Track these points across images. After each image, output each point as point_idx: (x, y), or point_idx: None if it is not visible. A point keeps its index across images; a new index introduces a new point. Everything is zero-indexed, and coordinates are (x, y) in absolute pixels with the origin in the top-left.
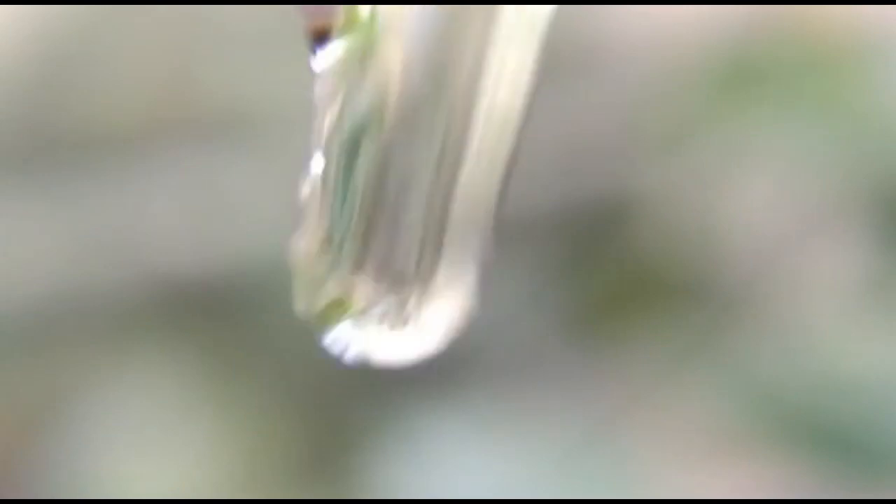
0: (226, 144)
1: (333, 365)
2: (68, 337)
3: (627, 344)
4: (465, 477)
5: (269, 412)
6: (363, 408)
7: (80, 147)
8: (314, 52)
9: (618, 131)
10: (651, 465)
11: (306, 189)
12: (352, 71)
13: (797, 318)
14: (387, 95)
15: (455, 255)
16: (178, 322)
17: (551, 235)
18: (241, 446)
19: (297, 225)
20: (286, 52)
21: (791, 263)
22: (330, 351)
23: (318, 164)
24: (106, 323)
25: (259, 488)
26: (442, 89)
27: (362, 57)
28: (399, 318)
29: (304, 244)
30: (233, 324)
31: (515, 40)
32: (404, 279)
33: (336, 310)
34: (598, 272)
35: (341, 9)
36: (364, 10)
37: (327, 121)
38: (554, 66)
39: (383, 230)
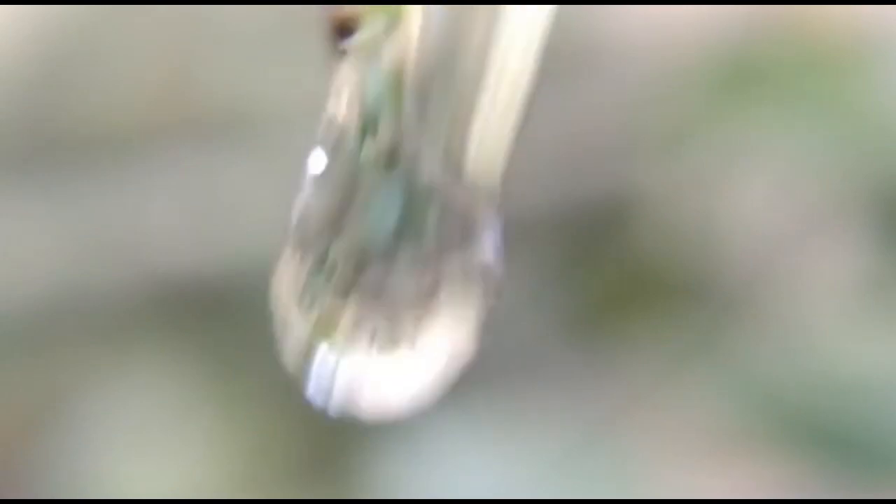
0: (225, 144)
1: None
2: (68, 337)
3: (627, 344)
4: (465, 477)
5: (269, 412)
6: None
7: (80, 147)
8: (337, 44)
9: (618, 131)
10: (651, 465)
11: (299, 205)
12: (371, 58)
13: (797, 318)
14: (402, 82)
15: (462, 263)
16: (178, 322)
17: (551, 235)
18: (241, 446)
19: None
20: (286, 52)
21: (791, 263)
22: (312, 399)
23: (316, 164)
24: (106, 323)
25: (259, 488)
26: (452, 79)
27: (382, 43)
28: (391, 339)
29: (289, 272)
30: (233, 324)
31: (518, 36)
32: (401, 293)
33: (320, 338)
34: (598, 272)
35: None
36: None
37: (342, 108)
38: (554, 66)
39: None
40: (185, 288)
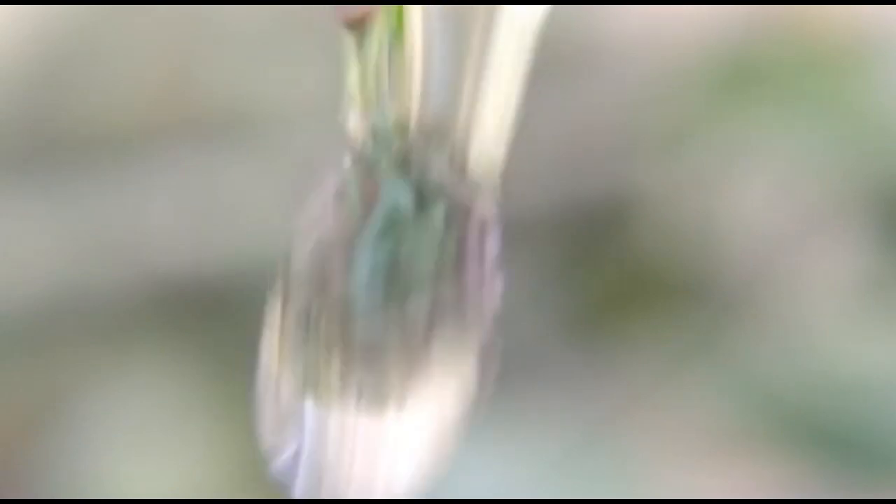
0: (225, 144)
1: None
2: (68, 337)
3: (627, 344)
4: (465, 477)
5: None
6: None
7: (80, 147)
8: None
9: (618, 131)
10: (651, 465)
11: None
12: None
13: (797, 318)
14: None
15: (458, 299)
16: (178, 322)
17: (551, 235)
18: (241, 446)
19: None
20: (286, 52)
21: (791, 263)
22: (278, 475)
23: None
24: (106, 323)
25: (259, 488)
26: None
27: (390, 45)
28: (378, 396)
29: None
30: (233, 324)
31: (512, 41)
32: (389, 346)
33: (307, 392)
34: (598, 272)
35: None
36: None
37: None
38: (554, 66)
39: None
40: (185, 288)
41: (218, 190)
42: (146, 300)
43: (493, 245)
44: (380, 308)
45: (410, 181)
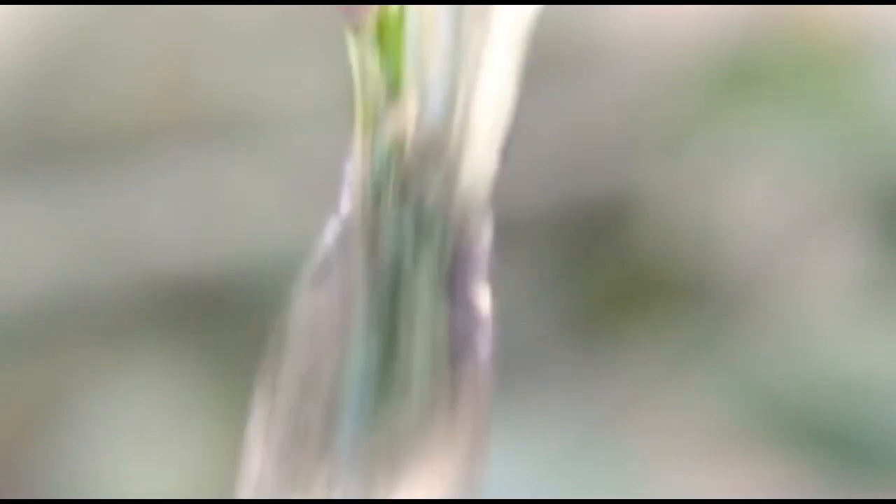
0: (225, 144)
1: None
2: (68, 337)
3: (627, 344)
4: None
5: None
6: None
7: (80, 147)
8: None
9: (618, 131)
10: (651, 465)
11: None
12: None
13: (797, 318)
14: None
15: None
16: (178, 322)
17: (551, 235)
18: (241, 446)
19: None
20: (286, 52)
21: (791, 263)
22: None
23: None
24: (106, 323)
25: None
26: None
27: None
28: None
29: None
30: (233, 324)
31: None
32: (381, 452)
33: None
34: (598, 272)
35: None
36: (394, 9)
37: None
38: (554, 66)
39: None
40: (185, 288)
41: (218, 190)
42: (146, 300)
43: (487, 339)
44: (370, 413)
45: (411, 225)
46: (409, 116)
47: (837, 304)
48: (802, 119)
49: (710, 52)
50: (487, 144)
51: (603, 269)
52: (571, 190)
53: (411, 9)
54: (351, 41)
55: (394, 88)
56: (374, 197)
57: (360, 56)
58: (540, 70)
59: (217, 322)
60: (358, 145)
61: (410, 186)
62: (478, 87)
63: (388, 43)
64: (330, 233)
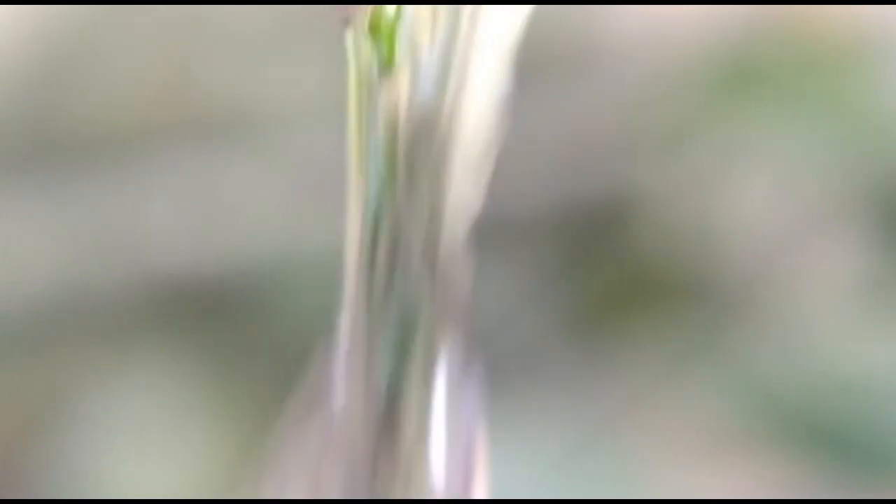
0: (225, 144)
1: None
2: (68, 337)
3: (627, 344)
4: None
5: (268, 412)
6: None
7: (80, 147)
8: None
9: (618, 131)
10: (651, 464)
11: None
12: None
13: (797, 318)
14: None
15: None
16: (178, 322)
17: (551, 235)
18: (241, 446)
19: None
20: (286, 52)
21: (791, 263)
22: None
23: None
24: (106, 323)
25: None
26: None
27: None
28: None
29: None
30: (232, 324)
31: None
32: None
33: None
34: (598, 272)
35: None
36: (390, 9)
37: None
38: (554, 66)
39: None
40: (185, 288)
41: (218, 190)
42: (146, 300)
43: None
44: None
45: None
46: (401, 97)
47: (837, 304)
48: (802, 119)
49: (710, 52)
50: (476, 137)
51: (603, 269)
52: (571, 190)
53: (406, 7)
54: (348, 33)
55: (386, 71)
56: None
57: (355, 45)
58: (540, 70)
59: (217, 322)
60: (352, 129)
61: (404, 169)
62: (468, 77)
63: (382, 33)
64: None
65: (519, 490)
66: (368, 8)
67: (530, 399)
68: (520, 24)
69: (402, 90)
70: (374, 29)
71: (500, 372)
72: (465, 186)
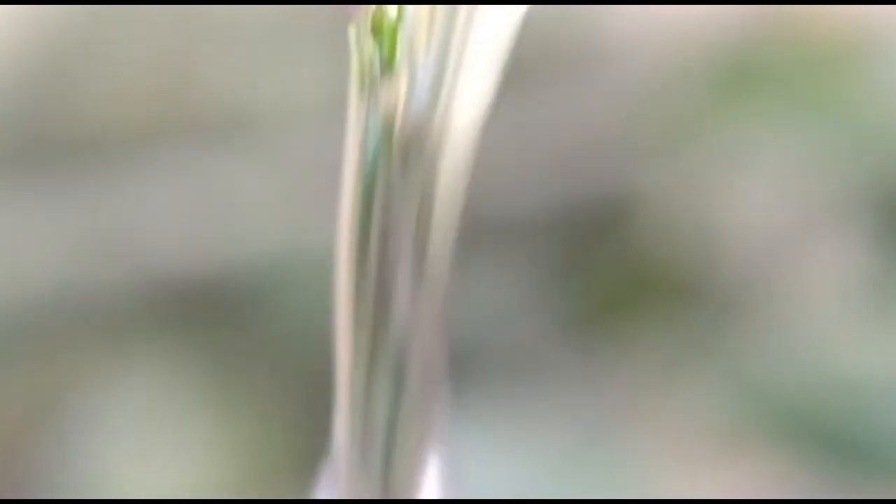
0: (226, 145)
1: (332, 364)
2: (68, 337)
3: (627, 344)
4: (464, 477)
5: (268, 412)
6: None
7: (80, 147)
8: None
9: (617, 131)
10: (651, 465)
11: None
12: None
13: (797, 318)
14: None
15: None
16: (178, 322)
17: (550, 235)
18: (241, 446)
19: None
20: (286, 52)
21: (791, 263)
22: None
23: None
24: (106, 323)
25: (258, 488)
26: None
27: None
28: None
29: None
30: (232, 323)
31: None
32: None
33: None
34: (598, 272)
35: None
36: (392, 9)
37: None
38: (554, 67)
39: None
40: (186, 288)
41: (218, 190)
42: (146, 300)
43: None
44: None
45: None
46: (400, 96)
47: (837, 304)
48: (802, 119)
49: (710, 52)
50: (466, 137)
51: (603, 269)
52: (571, 190)
53: (408, 7)
54: (350, 31)
55: (387, 68)
56: (369, 185)
57: (358, 43)
58: (540, 70)
59: (217, 322)
60: (353, 117)
61: (398, 167)
62: (463, 77)
63: (384, 33)
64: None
65: (519, 490)
66: (371, 7)
67: (530, 399)
68: (515, 24)
69: (401, 90)
70: (377, 28)
71: (500, 372)
72: (454, 186)
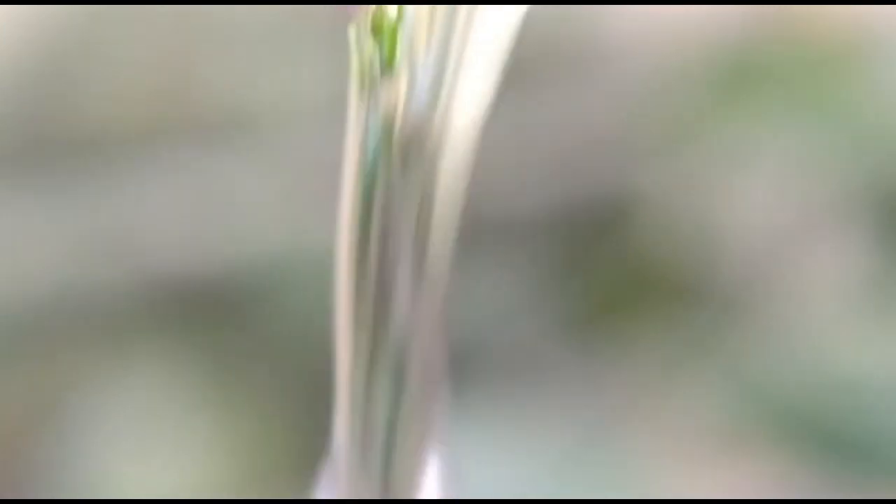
0: (226, 145)
1: (332, 364)
2: (68, 337)
3: (627, 344)
4: (464, 477)
5: (268, 412)
6: None
7: (80, 147)
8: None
9: (617, 131)
10: (651, 465)
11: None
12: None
13: (797, 318)
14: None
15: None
16: (178, 322)
17: (550, 235)
18: (241, 446)
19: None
20: (286, 52)
21: (791, 263)
22: None
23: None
24: (106, 323)
25: (258, 488)
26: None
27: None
28: None
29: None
30: (232, 323)
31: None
32: None
33: None
34: (598, 272)
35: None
36: (392, 10)
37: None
38: (554, 67)
39: None
40: (185, 288)
41: (217, 190)
42: (146, 300)
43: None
44: None
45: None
46: (400, 97)
47: (837, 304)
48: (802, 119)
49: (710, 52)
50: (466, 137)
51: (603, 269)
52: (571, 190)
53: (408, 7)
54: (351, 30)
55: (387, 68)
56: (370, 177)
57: (358, 42)
58: (540, 69)
59: (217, 322)
60: (353, 117)
61: (398, 167)
62: (462, 78)
63: (384, 33)
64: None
65: (519, 490)
66: (371, 7)
67: (530, 399)
68: (515, 25)
69: (401, 90)
70: (376, 28)
71: (500, 372)
72: (454, 186)
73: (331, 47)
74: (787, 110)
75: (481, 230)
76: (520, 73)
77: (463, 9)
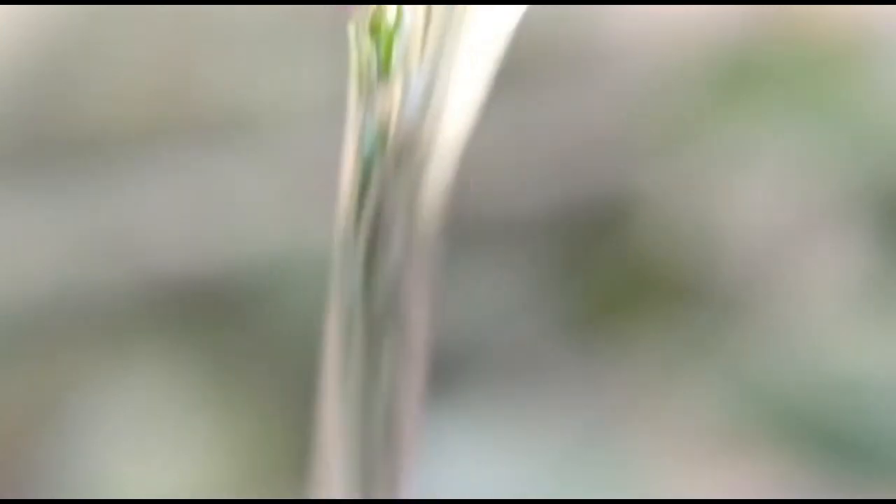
0: (226, 145)
1: None
2: (68, 337)
3: (627, 344)
4: (464, 477)
5: (268, 412)
6: None
7: (81, 147)
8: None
9: (617, 131)
10: (651, 465)
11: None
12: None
13: (797, 318)
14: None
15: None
16: (178, 322)
17: (551, 235)
18: (241, 446)
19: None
20: (286, 52)
21: (790, 263)
22: None
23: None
24: (106, 323)
25: (258, 488)
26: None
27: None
28: None
29: None
30: (232, 324)
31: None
32: None
33: None
34: (598, 272)
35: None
36: (391, 12)
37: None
38: (554, 67)
39: None
40: (185, 288)
41: (217, 190)
42: (146, 300)
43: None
44: None
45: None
46: (395, 99)
47: (837, 304)
48: (802, 119)
49: (710, 52)
50: (458, 137)
51: (603, 269)
52: (570, 189)
53: (405, 12)
54: (350, 29)
55: (384, 73)
56: (365, 171)
57: (357, 42)
58: (540, 70)
59: (217, 322)
60: (351, 120)
61: (392, 167)
62: (456, 80)
63: (381, 36)
64: None
65: (519, 490)
66: (370, 8)
67: (530, 399)
68: (510, 30)
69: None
70: (374, 30)
71: (500, 372)
72: (444, 184)
73: (331, 47)
74: (787, 110)
75: (481, 230)
76: (520, 73)
77: (459, 14)
